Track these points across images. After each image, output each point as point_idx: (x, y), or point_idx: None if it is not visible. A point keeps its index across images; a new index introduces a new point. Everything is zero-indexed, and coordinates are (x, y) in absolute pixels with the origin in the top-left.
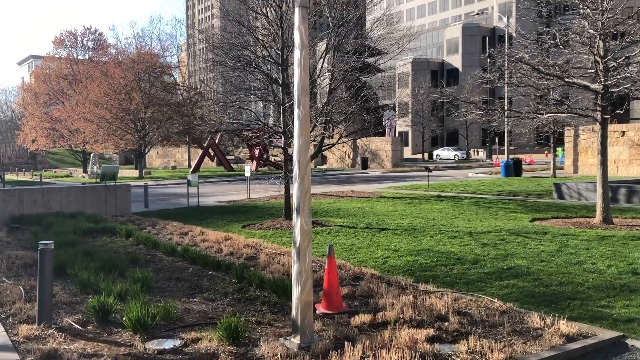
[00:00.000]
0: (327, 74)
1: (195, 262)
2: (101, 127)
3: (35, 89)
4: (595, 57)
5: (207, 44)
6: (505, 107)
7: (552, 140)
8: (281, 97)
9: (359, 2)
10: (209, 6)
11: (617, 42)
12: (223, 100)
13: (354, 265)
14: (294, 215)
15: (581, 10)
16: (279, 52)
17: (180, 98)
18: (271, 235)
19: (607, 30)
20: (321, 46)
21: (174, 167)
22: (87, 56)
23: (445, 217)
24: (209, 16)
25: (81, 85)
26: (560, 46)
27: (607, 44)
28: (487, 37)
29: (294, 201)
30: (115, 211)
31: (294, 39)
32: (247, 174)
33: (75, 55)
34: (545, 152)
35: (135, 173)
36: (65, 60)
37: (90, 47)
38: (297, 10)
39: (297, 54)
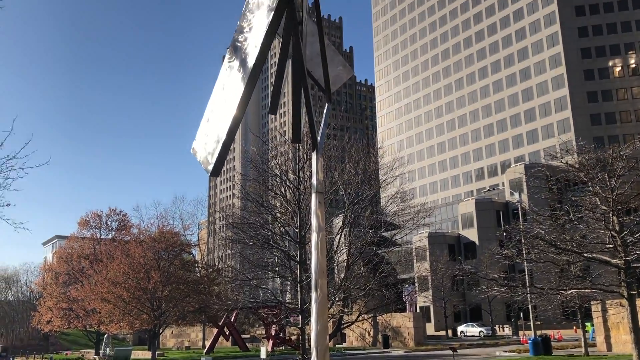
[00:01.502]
0: (344, 249)
1: None
2: (117, 307)
3: (56, 269)
4: (611, 232)
5: (227, 222)
6: (527, 284)
7: (579, 316)
8: (298, 274)
9: (372, 181)
10: (230, 186)
11: (632, 217)
12: (240, 278)
13: None
14: None
15: (591, 188)
16: (297, 229)
17: (198, 275)
18: None
19: (620, 207)
20: (338, 222)
21: (187, 348)
22: (110, 236)
23: None
24: (229, 195)
25: (101, 265)
26: (575, 222)
27: (621, 219)
28: (500, 212)
29: None
30: None
31: (311, 221)
32: (263, 355)
33: (98, 235)
34: (574, 327)
35: (148, 354)
36: (89, 240)
37: (114, 227)
38: (313, 195)
39: (314, 237)
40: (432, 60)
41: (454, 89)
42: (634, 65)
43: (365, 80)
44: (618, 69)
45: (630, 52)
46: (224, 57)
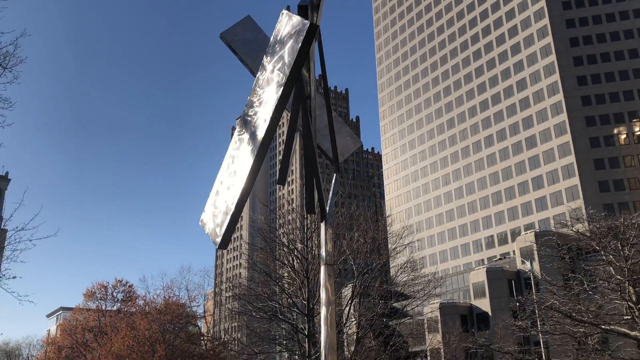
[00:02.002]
0: (354, 321)
1: None
2: None
3: (60, 342)
4: (628, 303)
5: (233, 293)
6: (543, 357)
7: None
8: (307, 349)
9: (382, 250)
10: (236, 256)
11: None
12: (247, 352)
13: None
14: None
15: (604, 257)
16: (305, 301)
17: (204, 349)
18: None
19: (635, 276)
20: (347, 292)
21: None
22: (115, 307)
23: None
24: (236, 265)
25: (105, 338)
26: (590, 292)
27: (637, 289)
28: (512, 281)
29: None
30: None
31: (319, 292)
32: None
33: (104, 307)
34: None
35: None
36: (94, 311)
37: (120, 298)
38: (322, 268)
39: (323, 311)
40: (438, 129)
41: (460, 157)
42: (639, 133)
43: (372, 148)
44: (623, 136)
45: (634, 120)
46: (233, 128)
